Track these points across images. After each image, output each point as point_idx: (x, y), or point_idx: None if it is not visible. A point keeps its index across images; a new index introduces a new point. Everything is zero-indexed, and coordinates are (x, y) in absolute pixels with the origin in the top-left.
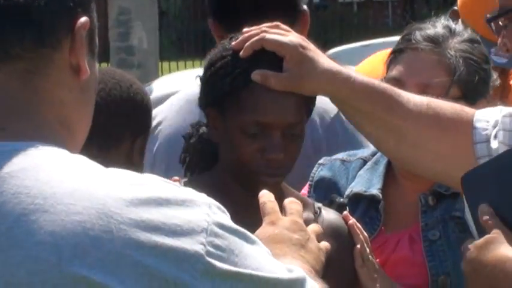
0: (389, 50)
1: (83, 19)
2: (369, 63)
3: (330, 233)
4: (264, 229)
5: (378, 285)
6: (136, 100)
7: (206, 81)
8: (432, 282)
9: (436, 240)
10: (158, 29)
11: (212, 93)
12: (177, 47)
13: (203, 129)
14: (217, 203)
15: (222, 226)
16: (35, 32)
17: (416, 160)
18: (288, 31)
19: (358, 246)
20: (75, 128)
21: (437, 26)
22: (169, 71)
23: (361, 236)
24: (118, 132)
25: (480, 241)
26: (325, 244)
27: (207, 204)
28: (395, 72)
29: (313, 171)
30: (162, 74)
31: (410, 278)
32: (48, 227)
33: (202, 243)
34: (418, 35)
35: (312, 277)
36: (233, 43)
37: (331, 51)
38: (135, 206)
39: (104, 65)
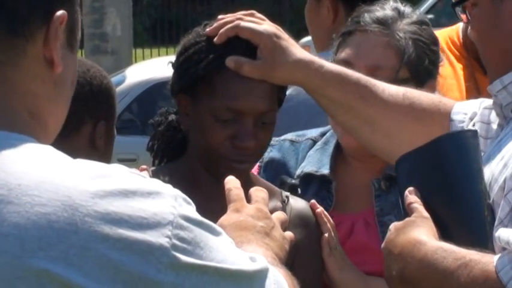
0: None
1: (60, 12)
2: None
3: (298, 221)
4: (229, 216)
5: (345, 274)
6: (94, 84)
7: (179, 67)
8: None
9: None
10: (132, 16)
11: (184, 79)
12: (150, 34)
13: (172, 116)
14: (183, 195)
15: (187, 219)
16: (8, 22)
17: (390, 150)
18: (262, 19)
19: (326, 235)
20: (46, 120)
21: (386, 8)
22: (143, 58)
23: (328, 225)
24: (76, 117)
25: (399, 223)
26: (289, 234)
27: (173, 197)
28: (344, 54)
29: None
30: (136, 61)
31: (368, 264)
32: (12, 219)
33: (168, 236)
34: (367, 17)
35: (275, 264)
36: (207, 29)
37: (305, 39)
38: (100, 198)
39: (78, 51)
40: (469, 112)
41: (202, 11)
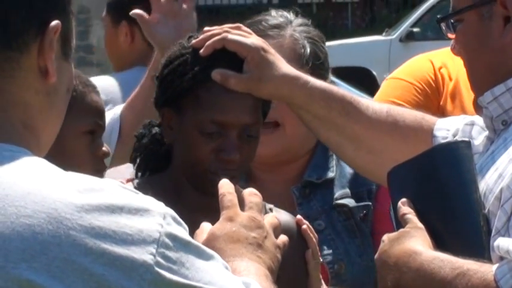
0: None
1: (54, 23)
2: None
3: (281, 234)
4: (222, 225)
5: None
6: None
7: (163, 80)
8: (330, 272)
9: (322, 230)
10: None
11: (169, 92)
12: None
13: (156, 129)
14: (174, 214)
15: (174, 238)
16: (1, 35)
17: (374, 167)
18: (249, 33)
19: (310, 250)
20: (39, 131)
21: (275, 17)
22: None
23: (314, 240)
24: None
25: (393, 234)
26: (282, 239)
27: (161, 215)
28: None
29: None
30: None
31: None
32: None
33: (152, 254)
34: (263, 24)
35: (268, 284)
36: (193, 41)
37: None
38: (86, 212)
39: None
40: (452, 128)
41: None
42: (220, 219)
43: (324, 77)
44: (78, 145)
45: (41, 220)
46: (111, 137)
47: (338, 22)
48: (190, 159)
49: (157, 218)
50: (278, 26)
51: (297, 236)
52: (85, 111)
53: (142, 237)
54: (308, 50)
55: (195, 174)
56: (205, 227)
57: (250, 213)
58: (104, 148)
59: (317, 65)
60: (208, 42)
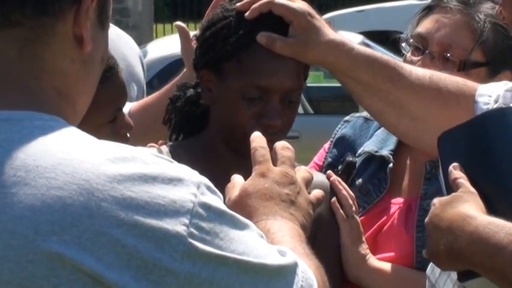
0: None
1: None
2: None
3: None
4: (254, 181)
5: (354, 247)
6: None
7: (204, 42)
8: (417, 254)
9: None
10: None
11: (210, 54)
12: (171, 10)
13: (191, 91)
14: (209, 183)
15: (208, 208)
16: (38, 0)
17: (416, 134)
18: None
19: (334, 199)
20: (75, 99)
21: None
22: (164, 34)
23: (344, 192)
24: None
25: (445, 198)
26: (316, 194)
27: (195, 184)
28: (421, 28)
29: (337, 128)
30: (157, 37)
31: (396, 249)
32: (28, 201)
33: (185, 225)
34: None
35: (303, 241)
36: (238, 4)
37: (325, 16)
38: (118, 183)
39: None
40: (494, 95)
41: None
42: (253, 174)
43: (498, 70)
44: (99, 135)
45: (72, 192)
46: None
47: None
48: (230, 122)
49: (191, 187)
50: (465, 1)
51: (330, 194)
52: (109, 99)
53: (176, 208)
54: (488, 36)
55: (234, 138)
56: (237, 181)
57: (283, 168)
58: (126, 125)
59: (496, 55)
60: (254, 6)
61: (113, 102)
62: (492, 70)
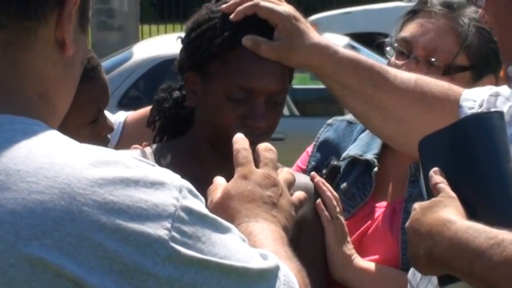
0: None
1: None
2: None
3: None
4: (236, 183)
5: (339, 248)
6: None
7: (189, 43)
8: (402, 256)
9: None
10: None
11: (195, 56)
12: (157, 10)
13: (176, 93)
14: (190, 187)
15: (190, 212)
16: (22, 3)
17: (401, 137)
18: (280, 1)
19: (319, 200)
20: (55, 103)
21: None
22: (150, 35)
23: (328, 193)
24: None
25: (426, 203)
26: (298, 196)
27: (177, 188)
28: (405, 32)
29: (320, 131)
30: (143, 38)
31: (381, 251)
32: (9, 205)
33: (167, 229)
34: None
35: (285, 244)
36: (223, 6)
37: (312, 18)
38: (100, 187)
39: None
40: (478, 99)
41: None
42: (235, 176)
43: (482, 74)
44: (80, 135)
45: (53, 196)
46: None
47: None
48: (215, 124)
49: (173, 191)
50: (449, 5)
51: (314, 195)
52: (90, 100)
53: (158, 212)
54: (473, 40)
55: (218, 139)
56: (220, 183)
57: (265, 170)
58: (107, 126)
59: (480, 59)
60: (239, 8)
61: (95, 103)
62: (476, 74)
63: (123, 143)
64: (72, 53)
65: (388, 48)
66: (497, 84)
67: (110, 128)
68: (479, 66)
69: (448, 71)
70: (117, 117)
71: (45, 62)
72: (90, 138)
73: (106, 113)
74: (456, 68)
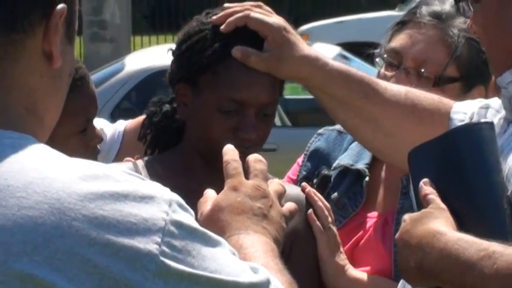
0: None
1: (60, 6)
2: None
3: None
4: (226, 195)
5: (332, 258)
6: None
7: (180, 55)
8: (395, 267)
9: None
10: (131, 4)
11: (186, 68)
12: (149, 22)
13: (166, 106)
14: (180, 200)
15: (180, 226)
16: (7, 16)
17: (391, 150)
18: (270, 12)
19: (310, 210)
20: (43, 115)
21: (445, 3)
22: (142, 46)
23: (319, 203)
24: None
25: (416, 214)
26: (288, 207)
27: (167, 202)
28: (394, 43)
29: (311, 141)
30: (134, 49)
31: (374, 263)
32: None
33: (157, 243)
34: (423, 9)
35: (276, 257)
36: (214, 17)
37: (304, 27)
38: (89, 202)
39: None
40: (469, 112)
41: None
42: (225, 188)
43: (473, 85)
44: (69, 145)
45: (43, 211)
46: (108, 155)
47: None
48: (206, 136)
49: (163, 205)
50: (438, 16)
51: (306, 206)
52: (79, 109)
53: (147, 226)
54: (463, 51)
55: (209, 151)
56: (210, 196)
57: (255, 181)
58: (96, 136)
59: (470, 70)
60: (230, 19)
61: (83, 112)
62: (466, 85)
63: (124, 151)
64: (59, 65)
65: (377, 59)
66: (487, 95)
67: (99, 138)
68: (469, 77)
69: (438, 83)
70: (117, 127)
71: (33, 73)
72: (80, 148)
73: (104, 122)
74: (446, 79)
